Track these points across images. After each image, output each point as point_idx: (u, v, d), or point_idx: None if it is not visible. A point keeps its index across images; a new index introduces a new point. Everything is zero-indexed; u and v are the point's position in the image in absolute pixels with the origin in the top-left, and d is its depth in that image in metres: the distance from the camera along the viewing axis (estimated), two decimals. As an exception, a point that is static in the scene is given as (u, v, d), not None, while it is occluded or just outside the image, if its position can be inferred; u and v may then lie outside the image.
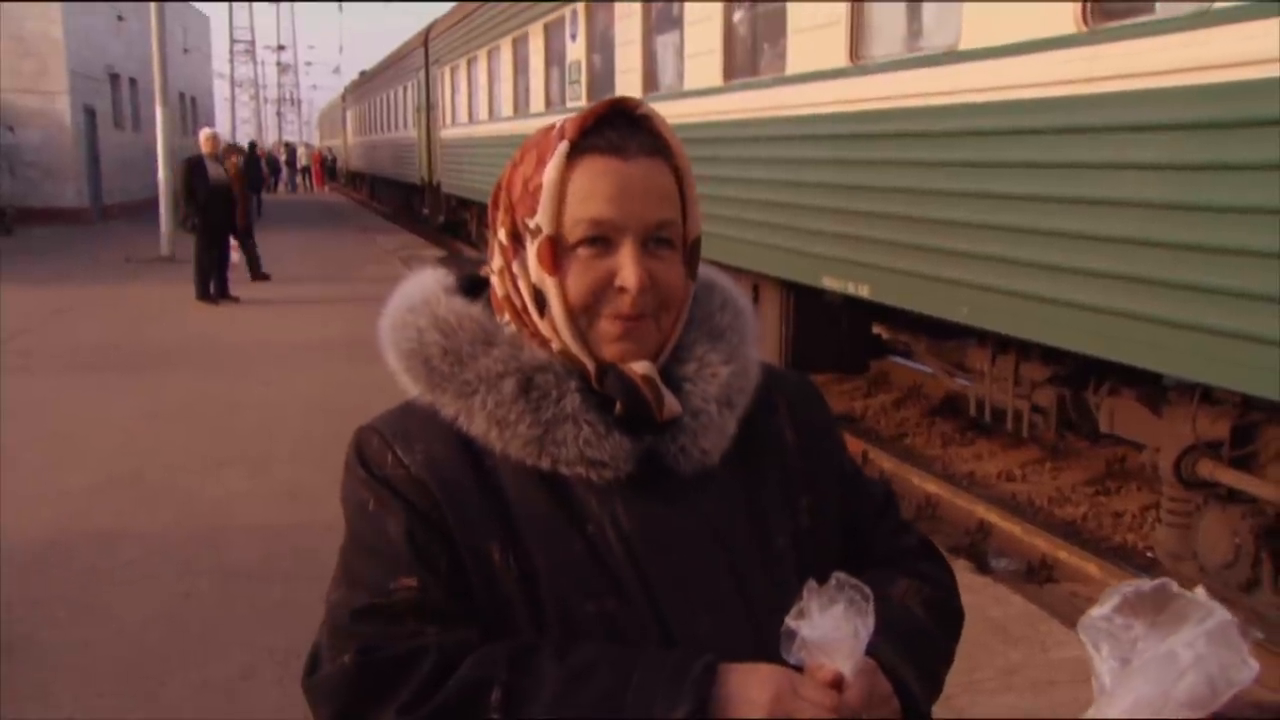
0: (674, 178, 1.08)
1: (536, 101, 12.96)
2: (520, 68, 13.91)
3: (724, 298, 1.17)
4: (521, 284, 1.09)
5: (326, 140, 59.71)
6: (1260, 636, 0.87)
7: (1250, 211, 3.44)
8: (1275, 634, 4.31)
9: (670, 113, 8.51)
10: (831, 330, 7.48)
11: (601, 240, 1.05)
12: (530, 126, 13.30)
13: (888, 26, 5.84)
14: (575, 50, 11.16)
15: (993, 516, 5.97)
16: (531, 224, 1.06)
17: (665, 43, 8.84)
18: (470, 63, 17.30)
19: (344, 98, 46.71)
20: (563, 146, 1.05)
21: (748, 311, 1.18)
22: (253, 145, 32.52)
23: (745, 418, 1.13)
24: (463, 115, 18.12)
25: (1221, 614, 0.87)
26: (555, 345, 1.08)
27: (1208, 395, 4.34)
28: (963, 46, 4.92)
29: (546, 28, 12.28)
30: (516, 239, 1.09)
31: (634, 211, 1.04)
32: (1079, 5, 4.18)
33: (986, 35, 4.74)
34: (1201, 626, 0.86)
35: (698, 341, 1.13)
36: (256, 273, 14.10)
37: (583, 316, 1.06)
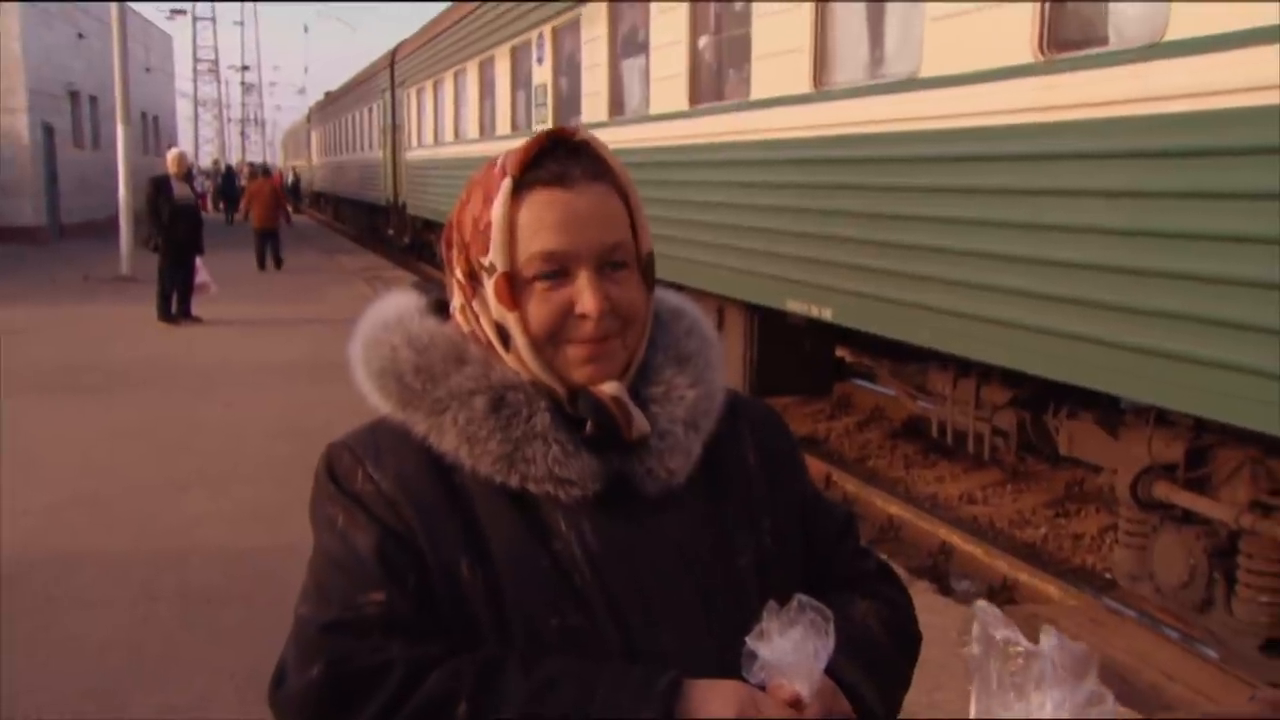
0: (620, 199, 1.10)
1: (503, 124, 13.00)
2: (487, 90, 13.95)
3: (690, 324, 1.20)
4: (483, 320, 1.11)
5: (291, 160, 59.40)
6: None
7: (1201, 238, 3.52)
8: (1229, 653, 4.39)
9: (636, 136, 8.58)
10: (795, 353, 7.54)
11: (557, 272, 1.07)
12: (497, 148, 13.23)
13: (850, 54, 5.92)
14: (542, 73, 11.22)
15: (955, 538, 6.03)
16: (486, 262, 1.08)
17: (631, 67, 8.91)
18: (437, 84, 17.32)
19: (309, 118, 46.54)
20: (506, 183, 1.07)
21: (713, 338, 1.21)
22: (229, 167, 33.19)
23: (710, 441, 1.15)
24: (429, 137, 18.12)
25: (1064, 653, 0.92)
26: (524, 375, 1.10)
27: (1163, 418, 4.42)
28: (923, 74, 5.00)
29: (513, 50, 12.34)
30: (473, 277, 1.11)
31: (585, 239, 1.06)
32: (1036, 36, 4.27)
33: (946, 64, 4.82)
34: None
35: (665, 365, 1.15)
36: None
37: (548, 346, 1.08)
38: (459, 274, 1.12)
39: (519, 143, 1.11)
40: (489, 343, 1.11)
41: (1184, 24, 3.60)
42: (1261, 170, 3.30)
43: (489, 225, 1.08)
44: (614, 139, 8.98)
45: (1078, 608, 5.07)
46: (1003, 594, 5.41)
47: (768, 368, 7.49)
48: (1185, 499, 4.33)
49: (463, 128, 15.61)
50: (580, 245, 1.06)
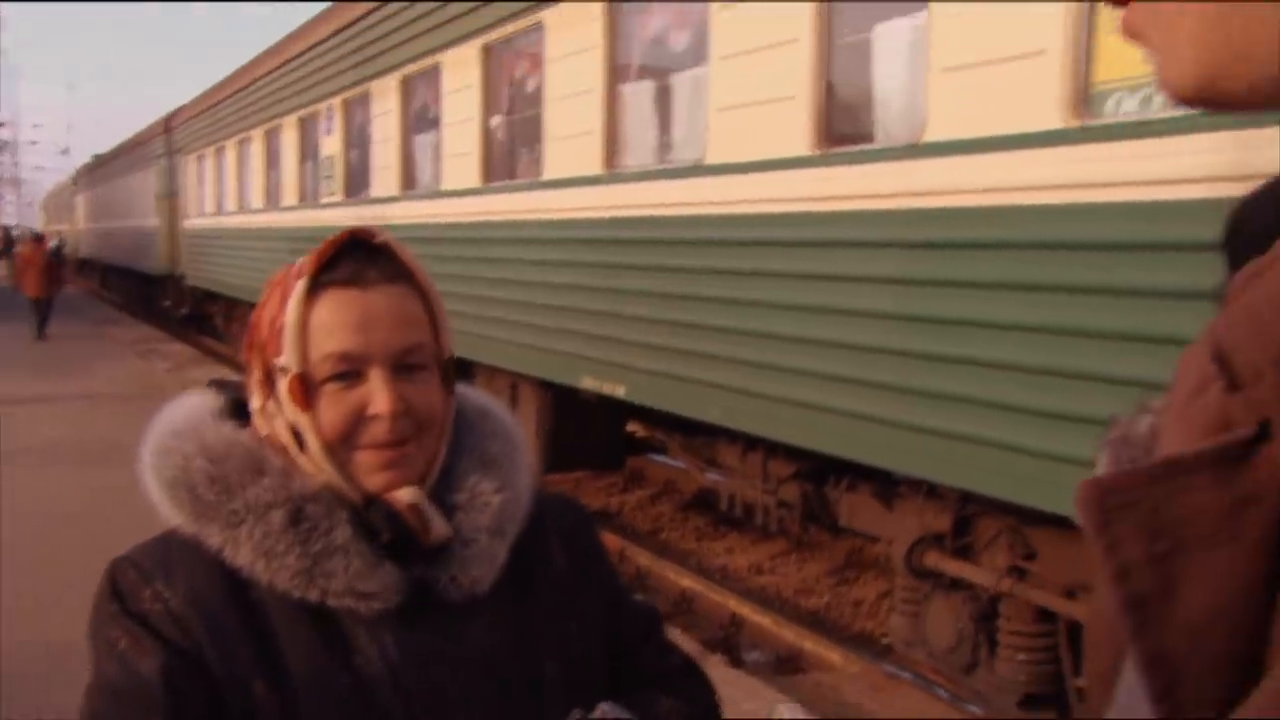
0: (420, 301, 1.11)
1: (289, 195, 12.69)
2: (273, 160, 13.60)
3: (497, 426, 1.20)
4: (278, 422, 1.09)
5: (54, 224, 55.86)
6: None
7: (961, 324, 3.81)
8: (993, 710, 4.66)
9: (428, 212, 8.55)
10: (588, 429, 7.62)
11: (350, 373, 1.06)
12: (284, 220, 13.04)
13: (641, 138, 6.13)
14: (330, 145, 11.05)
15: (744, 610, 6.18)
16: (280, 363, 1.07)
17: (424, 142, 8.91)
18: (219, 152, 16.76)
19: (75, 181, 44.02)
20: (301, 284, 1.07)
21: (520, 440, 1.21)
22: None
23: (516, 545, 1.15)
24: (210, 205, 17.47)
25: None
26: (320, 480, 1.08)
27: (933, 491, 4.70)
28: (708, 161, 5.23)
29: (301, 121, 12.11)
30: (269, 379, 1.09)
31: (379, 340, 1.06)
32: (814, 130, 4.55)
33: (730, 153, 5.07)
34: None
35: (470, 470, 1.15)
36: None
37: (341, 450, 1.07)
38: (257, 375, 1.10)
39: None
40: (284, 445, 1.09)
41: (939, 128, 3.93)
42: (1006, 264, 3.62)
43: (283, 326, 1.07)
44: (406, 214, 8.95)
45: (859, 674, 5.29)
46: (790, 663, 5.58)
47: (561, 444, 7.53)
48: (952, 566, 4.61)
49: (246, 197, 15.13)
50: (374, 346, 1.06)
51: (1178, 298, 3.05)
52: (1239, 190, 0.50)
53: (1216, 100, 0.43)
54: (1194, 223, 2.98)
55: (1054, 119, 3.48)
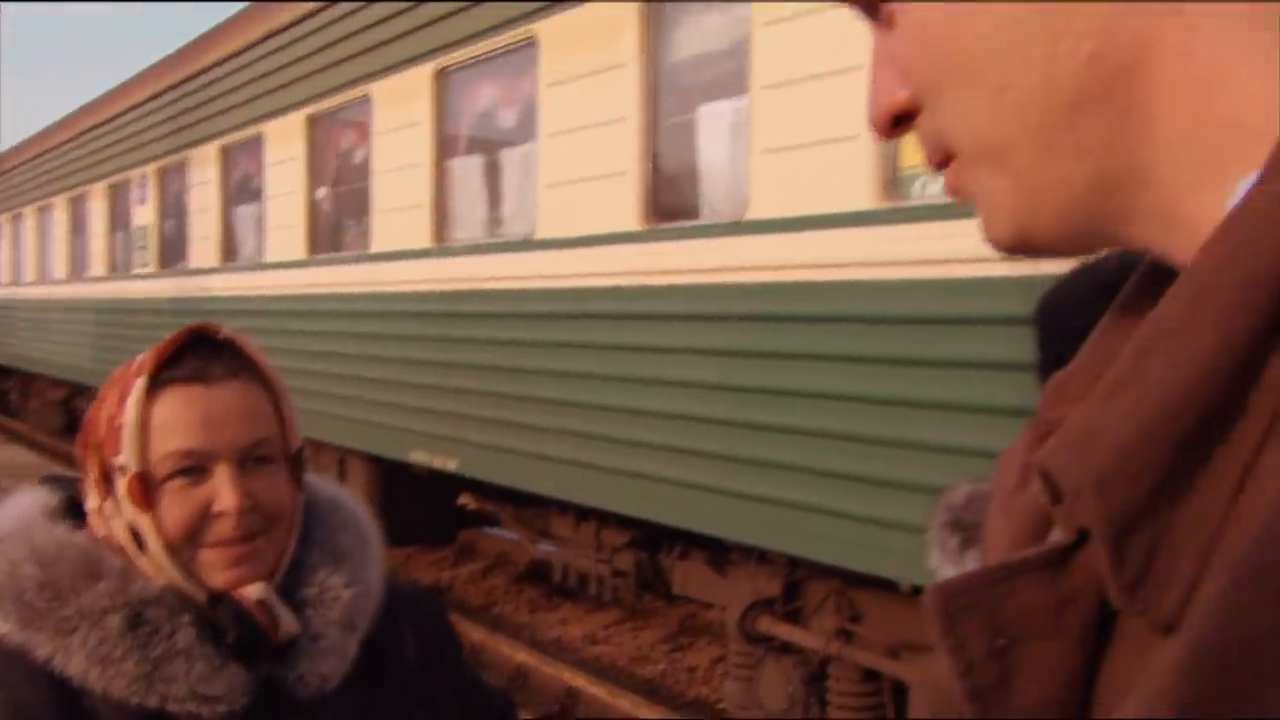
0: (265, 394, 1.10)
1: (98, 264, 12.10)
2: (78, 228, 12.97)
3: (347, 517, 1.20)
4: (116, 523, 1.06)
5: None
6: None
7: (787, 394, 3.96)
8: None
9: (251, 284, 8.30)
10: (419, 503, 7.49)
11: (194, 469, 1.05)
12: (91, 290, 12.42)
13: (471, 212, 6.16)
14: (144, 214, 10.63)
15: (580, 681, 6.14)
16: (118, 462, 1.05)
17: (245, 213, 8.68)
18: (15, 219, 15.88)
19: None
20: (141, 382, 1.05)
21: (372, 531, 1.21)
22: None
23: (368, 638, 1.14)
24: (5, 276, 16.48)
25: None
26: (161, 582, 1.05)
27: (764, 556, 4.82)
28: (538, 236, 5.30)
29: (111, 189, 11.62)
30: (107, 478, 1.07)
31: (224, 436, 1.05)
32: (640, 205, 4.68)
33: (559, 228, 5.15)
34: None
35: (320, 564, 1.14)
36: None
37: (185, 549, 1.05)
38: (94, 474, 1.07)
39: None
40: (124, 548, 1.06)
41: (761, 206, 4.11)
42: (826, 336, 3.79)
43: (122, 424, 1.04)
44: (227, 286, 8.68)
45: (696, 741, 5.32)
46: (628, 734, 5.57)
47: (390, 519, 7.24)
48: (784, 630, 4.72)
49: (48, 267, 14.36)
50: (219, 442, 1.05)
51: (994, 368, 3.25)
52: (1035, 269, 0.57)
53: (1030, 250, 0.50)
54: (1000, 298, 3.20)
55: (866, 200, 3.70)
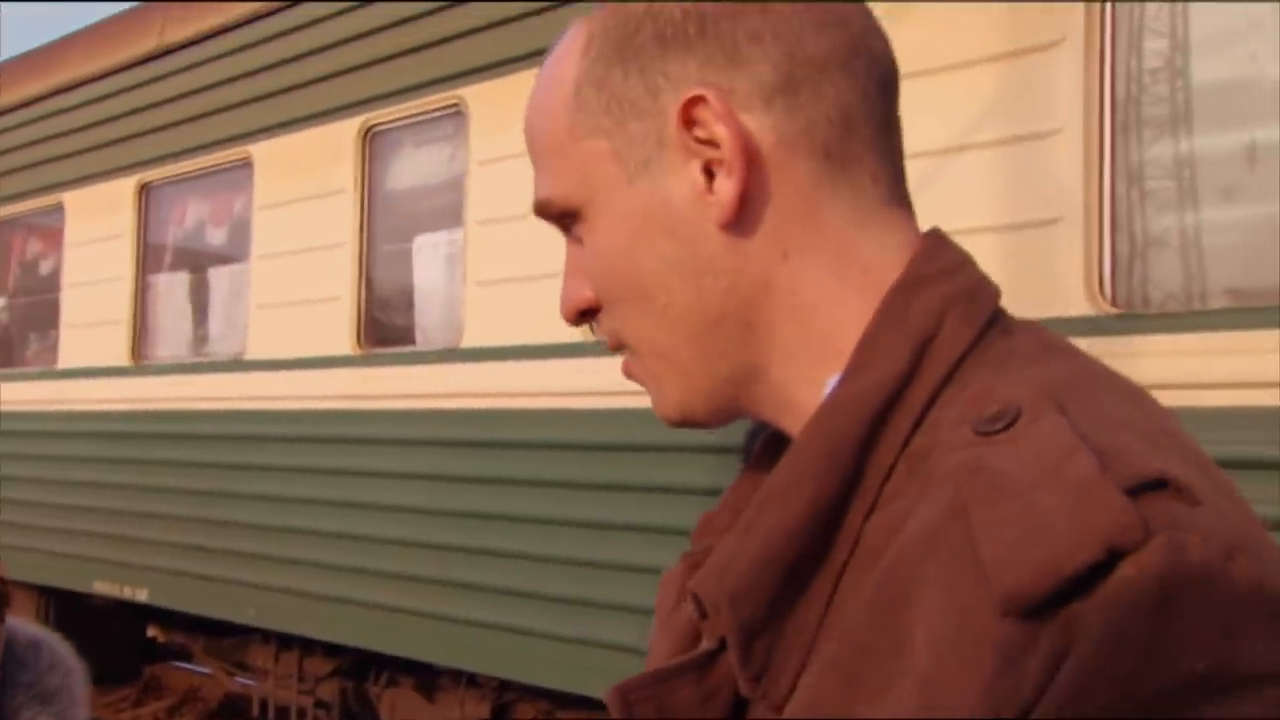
0: None
1: None
2: None
3: (53, 659, 1.20)
4: None
5: None
6: None
7: (494, 518, 4.07)
8: None
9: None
10: (100, 636, 6.93)
11: None
12: None
13: (175, 330, 5.95)
14: None
15: (277, 823, 5.82)
16: None
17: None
18: None
19: None
20: None
21: (77, 669, 1.22)
22: None
23: None
24: None
25: None
26: None
27: (474, 679, 4.84)
28: (249, 356, 5.20)
29: None
30: None
31: None
32: (355, 331, 4.72)
33: (271, 349, 5.08)
34: None
35: (24, 705, 1.14)
36: None
37: None
38: None
39: None
40: None
41: (474, 335, 4.26)
42: (536, 462, 3.96)
43: None
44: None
45: None
46: None
47: (67, 656, 6.77)
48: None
49: None
50: None
51: (693, 494, 3.50)
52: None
53: (692, 424, 0.69)
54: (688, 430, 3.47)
55: (571, 333, 3.92)
